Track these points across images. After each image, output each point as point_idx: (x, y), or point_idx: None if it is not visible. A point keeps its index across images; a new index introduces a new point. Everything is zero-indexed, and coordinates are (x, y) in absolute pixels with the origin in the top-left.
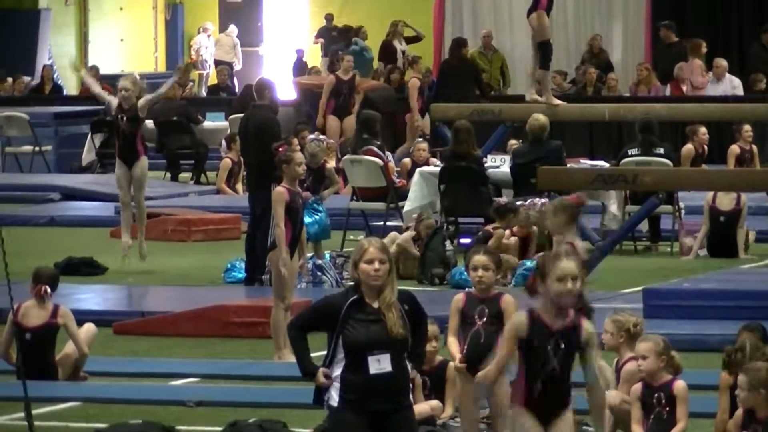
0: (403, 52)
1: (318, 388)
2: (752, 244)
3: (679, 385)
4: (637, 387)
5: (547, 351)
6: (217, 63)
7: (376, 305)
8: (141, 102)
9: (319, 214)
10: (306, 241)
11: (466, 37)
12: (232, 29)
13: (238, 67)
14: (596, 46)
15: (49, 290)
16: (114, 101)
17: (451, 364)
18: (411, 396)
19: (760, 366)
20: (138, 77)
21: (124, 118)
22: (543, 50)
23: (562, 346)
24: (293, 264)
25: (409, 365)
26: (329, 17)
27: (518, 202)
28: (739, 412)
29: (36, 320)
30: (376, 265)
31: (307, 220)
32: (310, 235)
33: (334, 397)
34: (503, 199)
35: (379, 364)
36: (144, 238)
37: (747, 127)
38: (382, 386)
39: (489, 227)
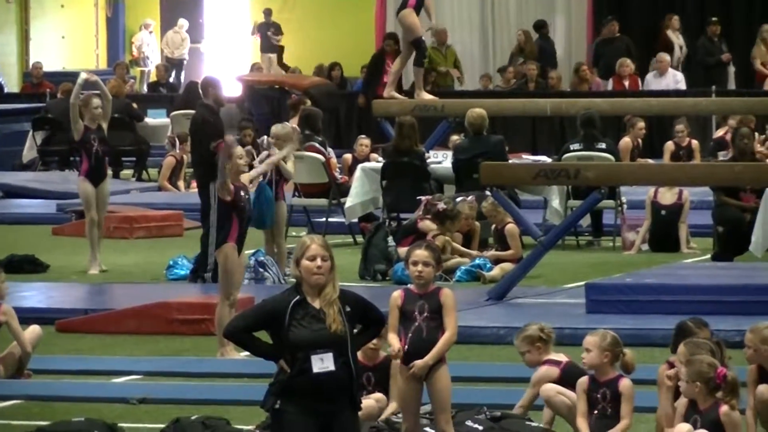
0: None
1: (269, 393)
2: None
3: (626, 383)
4: (584, 380)
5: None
6: (169, 61)
7: (317, 305)
8: (104, 124)
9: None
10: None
11: None
12: (183, 23)
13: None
14: (522, 40)
15: None
16: (81, 126)
17: (395, 361)
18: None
19: (702, 359)
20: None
21: (96, 139)
22: (417, 47)
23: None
24: (240, 259)
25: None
26: (267, 12)
27: (458, 198)
28: (684, 401)
29: None
30: (319, 261)
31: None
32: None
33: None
34: (441, 204)
35: (322, 363)
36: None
37: (680, 127)
38: (326, 385)
39: (430, 235)
